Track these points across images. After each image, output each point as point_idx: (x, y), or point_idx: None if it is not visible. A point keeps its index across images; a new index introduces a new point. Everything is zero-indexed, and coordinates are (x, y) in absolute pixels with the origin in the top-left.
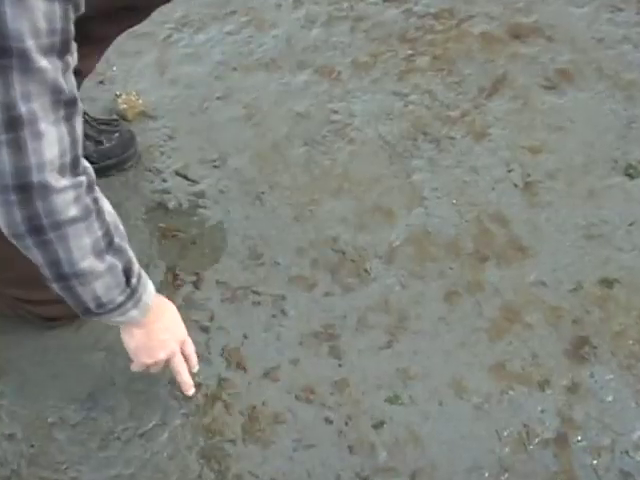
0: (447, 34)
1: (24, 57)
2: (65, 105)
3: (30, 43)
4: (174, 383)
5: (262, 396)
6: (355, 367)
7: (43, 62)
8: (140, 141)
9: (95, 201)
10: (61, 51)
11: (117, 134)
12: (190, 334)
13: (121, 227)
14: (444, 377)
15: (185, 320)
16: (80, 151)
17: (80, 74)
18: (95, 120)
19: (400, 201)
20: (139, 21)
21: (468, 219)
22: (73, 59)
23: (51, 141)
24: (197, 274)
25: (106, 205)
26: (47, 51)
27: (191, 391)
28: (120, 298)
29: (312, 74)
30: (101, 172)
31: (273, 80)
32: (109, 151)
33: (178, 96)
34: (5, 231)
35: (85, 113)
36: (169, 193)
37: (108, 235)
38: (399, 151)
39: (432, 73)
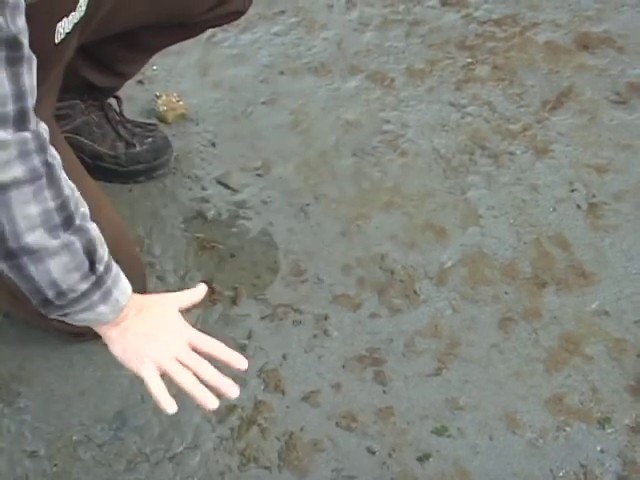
0: (509, 42)
1: None
2: (6, 45)
3: None
4: None
5: (300, 421)
6: (401, 395)
7: None
8: (179, 146)
9: (47, 165)
10: None
11: (151, 139)
12: None
13: (86, 211)
14: (496, 409)
15: (221, 337)
16: (29, 105)
17: (124, 77)
18: (130, 122)
19: (454, 219)
20: (192, 36)
21: (526, 241)
22: None
23: None
24: (235, 289)
25: (64, 177)
26: None
27: (213, 404)
28: (83, 285)
29: (364, 80)
30: (129, 176)
31: (322, 85)
32: (139, 155)
33: (221, 99)
34: None
35: (120, 114)
36: (208, 202)
37: (65, 210)
38: (454, 165)
39: (492, 83)
